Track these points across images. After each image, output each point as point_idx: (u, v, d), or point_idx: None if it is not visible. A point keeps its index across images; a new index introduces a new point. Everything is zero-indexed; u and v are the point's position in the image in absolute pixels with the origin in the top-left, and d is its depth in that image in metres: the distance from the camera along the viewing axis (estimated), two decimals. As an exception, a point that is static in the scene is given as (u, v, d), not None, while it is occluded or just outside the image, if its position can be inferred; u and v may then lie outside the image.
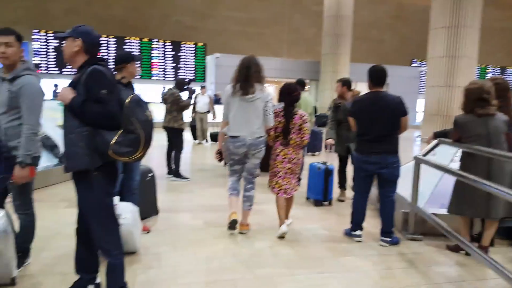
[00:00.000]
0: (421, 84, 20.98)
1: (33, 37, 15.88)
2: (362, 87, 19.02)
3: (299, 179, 4.56)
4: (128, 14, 18.08)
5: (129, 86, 3.22)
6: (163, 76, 17.66)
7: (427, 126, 11.55)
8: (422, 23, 21.89)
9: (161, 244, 3.37)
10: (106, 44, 16.74)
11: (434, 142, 3.77)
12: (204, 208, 4.59)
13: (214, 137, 10.64)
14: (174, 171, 5.89)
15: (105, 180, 2.13)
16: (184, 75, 17.54)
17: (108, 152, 1.97)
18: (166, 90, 6.05)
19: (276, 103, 3.81)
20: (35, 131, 2.46)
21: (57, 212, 4.16)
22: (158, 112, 6.95)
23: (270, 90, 17.31)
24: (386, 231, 3.54)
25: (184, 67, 17.80)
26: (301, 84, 5.93)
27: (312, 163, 4.92)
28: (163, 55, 17.54)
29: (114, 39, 16.86)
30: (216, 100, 16.38)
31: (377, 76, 3.45)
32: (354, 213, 3.65)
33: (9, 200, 2.67)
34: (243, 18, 19.80)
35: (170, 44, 17.39)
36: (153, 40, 17.35)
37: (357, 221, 3.64)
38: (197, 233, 3.69)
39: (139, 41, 17.17)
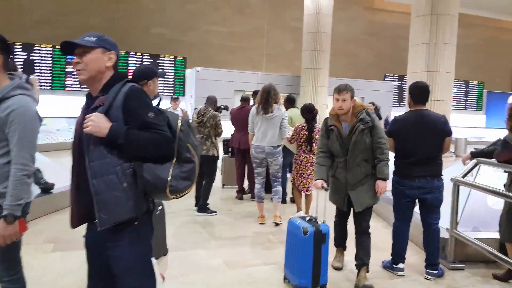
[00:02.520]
0: (394, 97, 21.41)
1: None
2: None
3: None
4: (107, 26, 17.51)
5: None
6: (142, 89, 17.04)
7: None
8: (392, 39, 22.48)
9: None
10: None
11: (472, 162, 3.51)
12: (220, 242, 4.16)
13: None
14: (200, 204, 5.11)
15: (150, 228, 1.75)
16: (163, 89, 17.07)
17: (166, 191, 1.60)
18: (197, 108, 5.24)
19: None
20: (28, 172, 1.84)
21: (45, 258, 3.58)
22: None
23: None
24: (432, 263, 3.27)
25: (163, 80, 17.36)
26: (290, 101, 6.04)
27: (292, 219, 3.21)
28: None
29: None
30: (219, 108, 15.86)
31: (419, 93, 3.24)
32: (395, 243, 3.36)
33: None
34: (223, 32, 19.63)
35: (148, 56, 16.93)
36: (130, 53, 16.83)
37: (399, 253, 3.34)
38: (219, 278, 3.28)
39: (117, 53, 16.58)
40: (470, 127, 19.93)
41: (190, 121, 5.18)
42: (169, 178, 1.59)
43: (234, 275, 3.34)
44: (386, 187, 3.06)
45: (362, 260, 3.13)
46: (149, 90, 2.85)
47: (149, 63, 17.04)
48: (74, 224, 1.76)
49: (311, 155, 4.81)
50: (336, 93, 3.17)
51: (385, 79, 21.71)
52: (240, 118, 5.86)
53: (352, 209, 3.22)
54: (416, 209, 3.33)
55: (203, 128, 5.02)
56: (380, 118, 8.19)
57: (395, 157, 3.34)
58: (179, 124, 1.66)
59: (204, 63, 17.88)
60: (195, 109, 5.35)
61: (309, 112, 4.93)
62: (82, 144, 1.64)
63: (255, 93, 6.13)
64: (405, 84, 21.84)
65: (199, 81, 16.76)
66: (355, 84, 20.02)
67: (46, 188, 4.88)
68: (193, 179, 1.67)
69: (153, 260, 2.51)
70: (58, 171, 5.59)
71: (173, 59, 17.30)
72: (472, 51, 22.76)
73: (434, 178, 3.16)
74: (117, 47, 1.83)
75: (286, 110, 5.94)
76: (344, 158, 3.13)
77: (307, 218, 3.13)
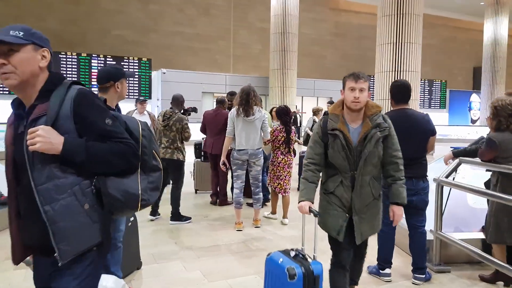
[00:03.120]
0: (362, 97, 21.82)
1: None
2: (308, 102, 19.31)
3: None
4: (64, 28, 16.76)
5: (117, 111, 2.63)
6: (105, 93, 16.44)
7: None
8: (358, 40, 22.94)
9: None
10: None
11: (455, 162, 3.44)
12: (197, 252, 3.92)
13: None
14: (173, 212, 4.86)
15: (106, 253, 1.52)
16: (127, 92, 16.51)
17: (138, 207, 1.42)
18: (163, 110, 4.94)
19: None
20: None
21: (6, 277, 3.21)
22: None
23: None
24: (419, 267, 3.14)
25: (128, 82, 16.79)
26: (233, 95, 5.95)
27: (271, 256, 2.43)
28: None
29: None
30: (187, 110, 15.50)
31: (400, 92, 3.11)
32: (381, 248, 3.21)
33: None
34: (189, 34, 19.29)
35: (111, 59, 16.33)
36: (92, 55, 16.18)
37: (385, 258, 3.20)
38: None
39: (76, 56, 15.91)
40: (435, 125, 20.60)
41: (151, 125, 4.96)
42: (140, 191, 1.41)
43: (214, 287, 3.13)
44: (402, 215, 2.53)
45: (354, 281, 2.75)
46: (117, 92, 2.62)
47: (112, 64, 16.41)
48: (17, 260, 1.51)
49: (288, 156, 4.88)
50: (352, 80, 2.38)
51: (352, 79, 22.07)
52: (215, 122, 5.65)
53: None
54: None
55: (169, 131, 4.76)
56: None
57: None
58: (140, 129, 1.48)
59: (169, 65, 17.56)
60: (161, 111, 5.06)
61: (285, 114, 4.94)
62: (19, 165, 1.37)
63: (230, 94, 5.98)
64: (373, 83, 22.41)
65: (165, 83, 16.38)
66: (323, 85, 20.48)
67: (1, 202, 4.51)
68: (160, 188, 1.52)
69: (121, 281, 2.28)
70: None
71: (138, 61, 16.77)
72: (434, 50, 23.63)
73: (420, 180, 3.08)
74: (49, 42, 1.50)
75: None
76: (350, 173, 2.37)
77: (292, 254, 2.35)
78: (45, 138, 1.29)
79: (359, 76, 2.39)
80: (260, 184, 4.71)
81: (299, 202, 2.41)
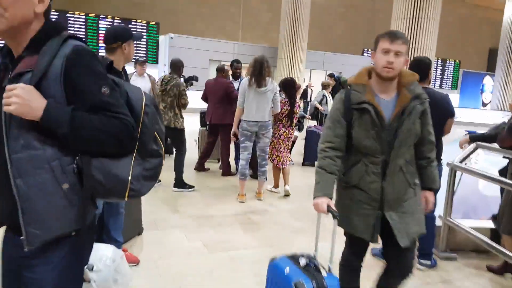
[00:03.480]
0: (372, 73, 21.45)
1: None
2: (317, 75, 19.00)
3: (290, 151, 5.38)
4: (72, -14, 16.35)
5: (123, 74, 2.51)
6: (111, 56, 16.25)
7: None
8: (372, 13, 22.27)
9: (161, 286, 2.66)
10: (45, 18, 14.97)
11: (471, 147, 3.30)
12: (198, 221, 3.90)
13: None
14: (176, 179, 4.83)
15: (90, 243, 1.34)
16: (134, 55, 16.29)
17: (125, 196, 1.19)
18: (162, 75, 4.85)
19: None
20: None
21: None
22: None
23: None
24: (426, 252, 3.06)
25: (135, 46, 16.55)
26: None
27: (275, 262, 1.94)
28: None
29: (56, 14, 15.12)
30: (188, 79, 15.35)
31: (420, 69, 2.91)
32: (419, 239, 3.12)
33: None
34: (198, -1, 18.80)
35: (119, 21, 15.97)
36: (100, 16, 15.80)
37: (423, 248, 3.08)
38: (199, 262, 3.04)
39: (84, 16, 15.56)
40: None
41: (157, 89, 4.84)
42: (129, 178, 1.18)
43: (215, 259, 3.15)
44: (435, 202, 2.19)
45: None
46: (124, 54, 2.51)
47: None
48: None
49: (290, 130, 4.90)
50: (387, 40, 1.88)
51: (364, 54, 21.55)
52: (214, 91, 5.54)
53: (384, 241, 2.08)
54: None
55: (166, 97, 4.69)
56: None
57: None
58: (143, 104, 1.22)
59: (177, 30, 17.11)
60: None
61: (291, 86, 4.91)
62: None
63: (235, 62, 5.79)
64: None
65: (173, 49, 15.94)
66: (332, 58, 20.10)
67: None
68: (158, 177, 1.30)
69: (119, 252, 2.22)
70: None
71: (146, 25, 16.44)
72: (449, 28, 22.89)
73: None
74: None
75: (236, 79, 5.83)
76: (382, 157, 1.92)
77: (302, 262, 1.82)
78: (23, 99, 1.06)
79: (396, 35, 1.88)
80: (267, 156, 4.71)
81: (314, 198, 1.92)
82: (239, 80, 5.74)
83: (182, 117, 4.80)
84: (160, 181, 4.98)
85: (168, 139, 5.16)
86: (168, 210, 4.22)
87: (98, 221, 2.59)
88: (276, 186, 5.14)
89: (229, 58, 16.80)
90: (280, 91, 6.04)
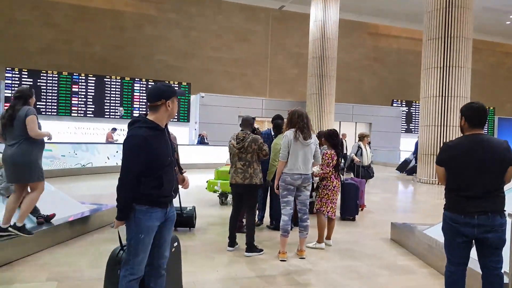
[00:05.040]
0: (402, 123, 21.15)
1: (6, 75, 14.95)
2: (346, 127, 18.95)
3: None
4: (109, 53, 17.51)
5: (166, 131, 2.53)
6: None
7: (423, 165, 11.31)
8: (396, 64, 22.50)
9: None
10: (85, 82, 15.99)
11: None
12: (241, 284, 3.61)
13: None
14: (248, 242, 4.50)
15: None
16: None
17: None
18: (235, 133, 4.76)
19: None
20: None
21: None
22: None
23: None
24: None
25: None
26: (279, 127, 5.58)
27: None
28: (145, 94, 16.74)
29: (93, 78, 16.14)
30: (201, 140, 15.74)
31: (476, 115, 2.79)
32: None
33: None
34: (226, 59, 19.64)
35: (153, 82, 16.79)
36: (135, 79, 16.75)
37: None
38: None
39: (120, 80, 16.50)
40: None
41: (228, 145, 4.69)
42: None
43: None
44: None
45: None
46: (167, 111, 2.47)
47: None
48: None
49: (339, 180, 5.05)
50: None
51: (393, 104, 21.60)
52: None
53: None
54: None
55: (245, 154, 4.59)
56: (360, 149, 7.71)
57: (446, 189, 2.90)
58: None
59: (207, 89, 17.90)
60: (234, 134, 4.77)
61: (336, 136, 5.08)
62: None
63: (277, 118, 5.66)
64: (414, 109, 21.88)
65: (203, 107, 16.66)
66: (362, 109, 20.11)
67: (46, 219, 4.53)
68: None
69: None
70: (61, 200, 5.25)
71: (178, 85, 17.15)
72: (481, 76, 22.71)
73: (497, 215, 2.68)
74: None
75: (275, 135, 5.58)
76: None
77: None
78: None
79: None
80: (308, 210, 4.57)
81: None
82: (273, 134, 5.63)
83: (260, 172, 4.69)
84: (237, 244, 4.69)
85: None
86: (207, 270, 4.01)
87: (139, 285, 2.44)
88: (320, 240, 4.89)
89: (257, 113, 17.36)
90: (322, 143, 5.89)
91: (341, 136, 12.97)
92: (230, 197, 6.47)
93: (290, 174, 4.38)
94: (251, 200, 4.64)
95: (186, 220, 5.25)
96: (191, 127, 17.48)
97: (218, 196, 7.26)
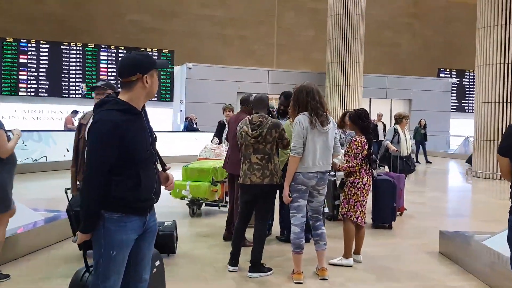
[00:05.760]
0: (453, 99, 20.98)
1: None
2: (378, 106, 18.86)
3: None
4: (67, 12, 17.40)
5: (143, 115, 2.56)
6: (115, 94, 16.81)
7: (480, 155, 11.24)
8: (443, 23, 22.23)
9: None
10: (36, 51, 15.99)
11: None
12: None
13: None
14: (254, 260, 4.46)
15: None
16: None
17: None
18: (248, 118, 4.71)
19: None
20: None
21: None
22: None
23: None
24: None
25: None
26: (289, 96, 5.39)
27: None
28: (115, 65, 16.74)
29: (47, 46, 16.14)
30: (189, 125, 15.68)
31: None
32: None
33: None
34: (220, 18, 19.50)
35: (124, 51, 16.83)
36: (101, 46, 16.71)
37: None
38: None
39: (81, 48, 16.48)
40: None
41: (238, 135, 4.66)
42: None
43: None
44: None
45: None
46: (145, 89, 2.44)
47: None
48: None
49: (371, 176, 5.00)
50: None
51: (440, 75, 21.46)
52: (234, 131, 5.33)
53: None
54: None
55: (263, 144, 4.51)
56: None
57: None
58: None
59: (195, 58, 17.69)
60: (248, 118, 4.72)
61: (366, 117, 5.00)
62: None
63: (284, 96, 5.65)
64: (468, 81, 21.69)
65: (190, 82, 16.56)
66: (399, 82, 19.94)
67: None
68: None
69: None
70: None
71: (157, 54, 17.12)
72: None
73: None
74: None
75: (283, 117, 5.59)
76: None
77: None
78: None
79: None
80: (321, 217, 4.58)
81: None
82: (285, 118, 5.55)
83: (280, 169, 4.65)
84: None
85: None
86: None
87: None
88: (347, 255, 4.82)
89: (262, 89, 17.02)
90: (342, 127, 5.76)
91: (375, 118, 12.89)
92: (204, 205, 6.56)
93: (304, 173, 4.29)
94: (267, 205, 4.63)
95: (162, 241, 4.66)
96: (176, 108, 17.48)
97: (187, 204, 6.86)
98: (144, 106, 2.56)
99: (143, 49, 16.87)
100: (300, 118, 4.27)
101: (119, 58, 16.35)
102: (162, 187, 2.66)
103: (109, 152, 2.26)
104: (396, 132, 7.66)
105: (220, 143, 7.89)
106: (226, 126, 6.89)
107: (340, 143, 5.16)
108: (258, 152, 4.51)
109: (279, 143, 4.56)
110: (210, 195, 6.56)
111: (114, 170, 2.28)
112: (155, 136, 2.61)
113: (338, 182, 5.28)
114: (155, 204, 2.55)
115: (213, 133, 8.40)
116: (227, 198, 6.21)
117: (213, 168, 6.57)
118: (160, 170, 2.63)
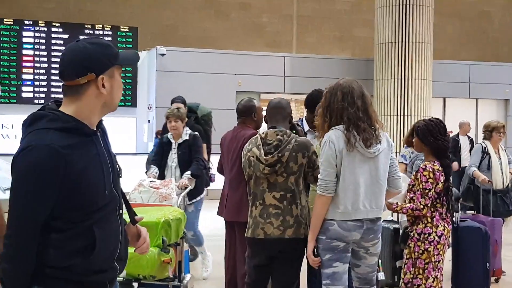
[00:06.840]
0: None
1: None
2: (456, 109, 18.77)
3: None
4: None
5: (99, 133, 2.68)
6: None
7: None
8: None
9: None
10: None
11: None
12: None
13: None
14: None
15: None
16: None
17: None
18: (259, 134, 5.04)
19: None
20: None
21: None
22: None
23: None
24: None
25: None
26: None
27: None
28: (46, 51, 16.92)
29: None
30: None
31: None
32: None
33: None
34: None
35: (61, 29, 16.95)
36: (24, 22, 16.79)
37: None
38: None
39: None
40: None
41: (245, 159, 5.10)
42: None
43: None
44: None
45: None
46: (101, 95, 2.58)
47: (62, 39, 16.95)
48: None
49: (450, 222, 5.32)
50: None
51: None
52: (229, 153, 6.04)
53: None
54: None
55: (284, 176, 4.77)
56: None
57: None
58: None
59: (169, 40, 17.85)
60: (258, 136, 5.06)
61: (441, 134, 5.27)
62: None
63: (316, 96, 5.69)
64: None
65: (163, 75, 16.61)
66: (489, 72, 20.40)
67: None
68: None
69: None
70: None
71: (111, 33, 17.23)
72: None
73: None
74: None
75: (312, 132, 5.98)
76: None
77: None
78: None
79: None
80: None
81: None
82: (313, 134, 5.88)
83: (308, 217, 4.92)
84: None
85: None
86: None
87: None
88: None
89: (275, 86, 17.37)
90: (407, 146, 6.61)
91: (452, 130, 12.68)
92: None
93: (341, 221, 4.42)
94: (290, 272, 4.88)
95: None
96: (141, 118, 17.58)
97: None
98: (100, 122, 2.69)
99: (89, 27, 16.95)
100: (331, 135, 4.39)
101: (55, 39, 16.57)
102: (131, 249, 2.84)
103: (45, 199, 2.31)
104: (485, 152, 7.89)
105: (161, 175, 7.83)
106: (174, 145, 7.49)
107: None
108: (276, 188, 4.77)
109: (308, 174, 4.78)
110: (159, 270, 6.09)
111: (53, 224, 2.35)
112: (119, 168, 2.78)
113: (400, 231, 5.68)
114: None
115: (146, 159, 9.20)
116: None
117: (163, 223, 6.11)
118: (127, 223, 2.80)
